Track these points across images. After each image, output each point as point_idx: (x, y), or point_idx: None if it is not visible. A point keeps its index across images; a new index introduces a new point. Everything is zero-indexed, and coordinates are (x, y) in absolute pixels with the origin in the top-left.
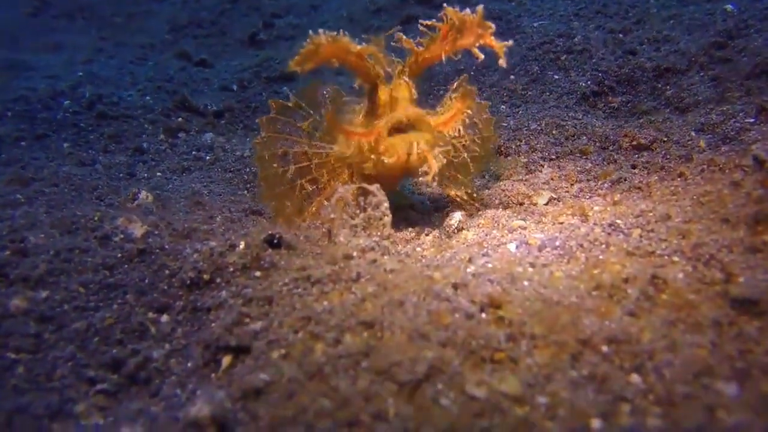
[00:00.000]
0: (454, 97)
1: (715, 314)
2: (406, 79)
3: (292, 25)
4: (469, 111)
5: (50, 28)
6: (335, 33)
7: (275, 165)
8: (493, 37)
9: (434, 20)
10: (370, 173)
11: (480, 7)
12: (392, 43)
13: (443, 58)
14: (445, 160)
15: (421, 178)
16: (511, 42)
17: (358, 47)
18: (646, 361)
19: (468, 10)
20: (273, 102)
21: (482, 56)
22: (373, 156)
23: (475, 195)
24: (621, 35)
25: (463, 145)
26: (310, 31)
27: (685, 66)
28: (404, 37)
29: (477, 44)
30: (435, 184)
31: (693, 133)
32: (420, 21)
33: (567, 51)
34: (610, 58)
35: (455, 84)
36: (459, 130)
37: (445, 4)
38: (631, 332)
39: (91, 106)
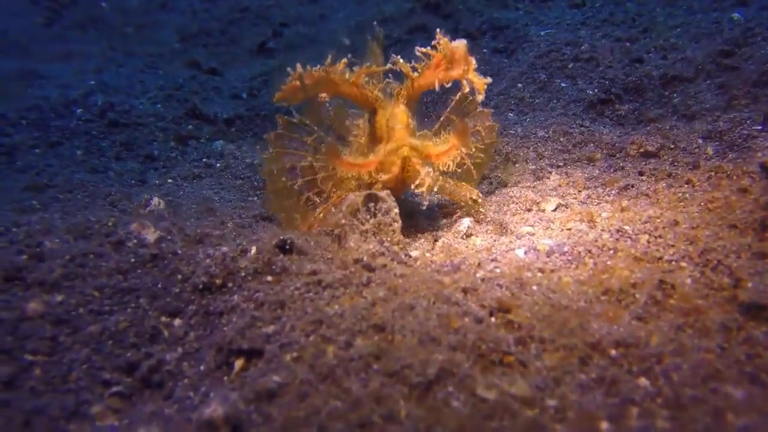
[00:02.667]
0: (451, 131)
1: (724, 319)
2: (403, 107)
3: (301, 34)
4: (463, 148)
5: (62, 38)
6: (325, 65)
7: (283, 179)
8: (474, 73)
9: (429, 47)
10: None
11: (463, 42)
12: (390, 66)
13: (436, 85)
14: (438, 181)
15: (416, 191)
16: (489, 79)
17: (353, 77)
18: (654, 364)
19: (456, 42)
20: (279, 118)
21: (468, 89)
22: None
23: (480, 200)
24: (628, 43)
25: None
26: (298, 66)
27: (692, 74)
28: (401, 60)
29: (463, 77)
30: (437, 194)
31: (700, 141)
32: (416, 47)
33: (574, 59)
34: (617, 66)
35: (458, 97)
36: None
37: (438, 30)
38: (639, 336)
39: (103, 114)
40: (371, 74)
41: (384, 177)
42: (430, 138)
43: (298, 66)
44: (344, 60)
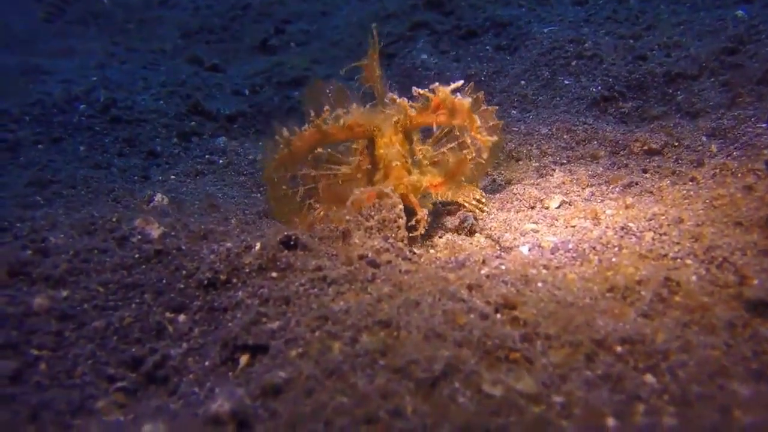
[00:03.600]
0: (451, 158)
1: (729, 316)
2: (400, 138)
3: (303, 31)
4: (461, 179)
5: (64, 34)
6: (312, 120)
7: (284, 187)
8: (479, 131)
9: (428, 90)
10: None
11: (468, 100)
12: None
13: (434, 125)
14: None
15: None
16: (495, 138)
17: (347, 122)
18: (660, 361)
19: (459, 96)
20: (278, 130)
21: (474, 145)
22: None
23: (483, 200)
24: (631, 41)
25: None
26: (284, 130)
27: (696, 71)
28: (397, 99)
29: (466, 128)
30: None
31: (704, 138)
32: (413, 88)
33: (577, 56)
34: (620, 63)
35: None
36: (465, 142)
37: (437, 84)
38: (645, 333)
39: (106, 110)
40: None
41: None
42: (429, 152)
43: (284, 131)
44: (327, 109)
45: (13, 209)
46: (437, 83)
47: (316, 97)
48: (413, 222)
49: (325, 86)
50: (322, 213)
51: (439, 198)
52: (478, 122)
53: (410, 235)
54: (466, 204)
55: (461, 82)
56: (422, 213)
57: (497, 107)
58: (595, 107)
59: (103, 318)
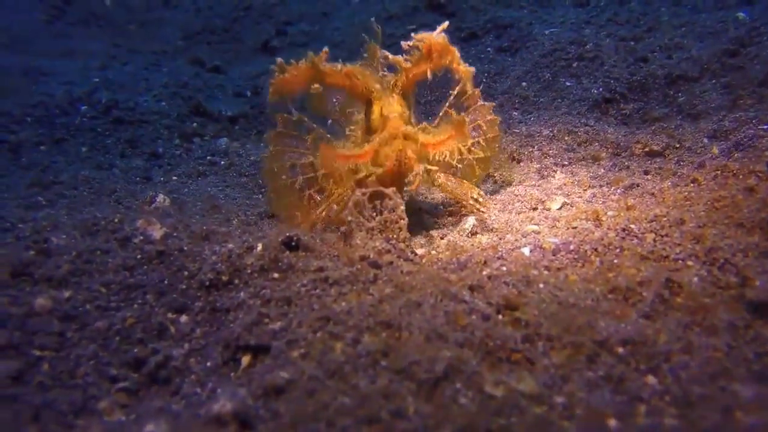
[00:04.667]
0: (448, 121)
1: (731, 317)
2: (398, 96)
3: (304, 32)
4: (460, 141)
5: (66, 35)
6: (308, 58)
7: (284, 177)
8: (459, 62)
9: (413, 41)
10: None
11: (442, 35)
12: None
13: (429, 74)
14: (441, 180)
15: (406, 188)
16: (473, 69)
17: (344, 69)
18: (662, 362)
19: (435, 33)
20: (279, 116)
21: (457, 75)
22: (367, 171)
23: (481, 199)
24: (632, 43)
25: (468, 149)
26: (278, 60)
27: (697, 73)
28: (391, 55)
29: (450, 68)
30: (439, 190)
31: (705, 140)
32: (402, 42)
33: (579, 58)
34: (621, 65)
35: (456, 89)
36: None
37: (412, 34)
38: (646, 334)
39: (108, 111)
40: (368, 68)
41: (379, 170)
42: (429, 131)
43: (279, 60)
44: (325, 49)
45: (15, 210)
46: (419, 33)
47: (322, 105)
48: (409, 178)
49: (330, 94)
50: (324, 212)
51: (439, 186)
52: (458, 53)
53: (405, 189)
54: (467, 205)
55: (447, 23)
56: (418, 168)
57: (494, 103)
58: (596, 109)
59: (105, 318)
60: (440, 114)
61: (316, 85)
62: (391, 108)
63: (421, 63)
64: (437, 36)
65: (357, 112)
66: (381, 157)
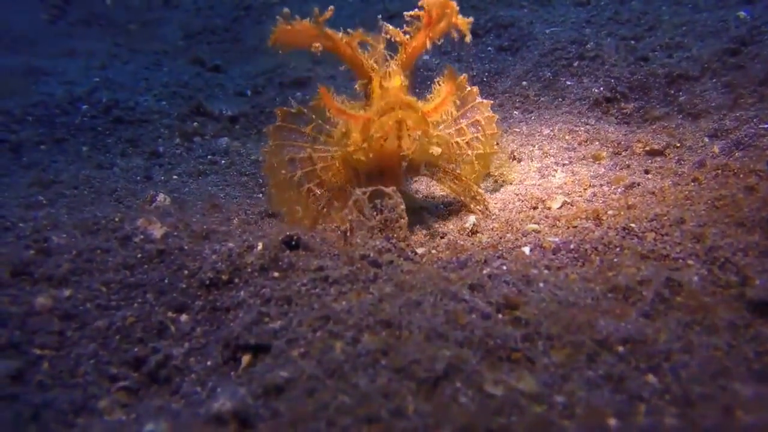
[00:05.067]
0: (440, 81)
1: (731, 317)
2: (395, 67)
3: None
4: (456, 93)
5: (67, 35)
6: (314, 16)
7: (284, 171)
8: (458, 15)
9: (416, 10)
10: (369, 165)
11: None
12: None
13: (428, 45)
14: (439, 150)
15: (403, 154)
16: (471, 19)
17: (347, 38)
18: (662, 361)
19: None
20: (278, 110)
21: (456, 36)
22: (365, 145)
23: (480, 197)
24: (633, 42)
25: (467, 143)
26: (285, 9)
27: (698, 72)
28: (391, 27)
29: (450, 25)
30: (439, 186)
31: (706, 139)
32: (404, 12)
33: (579, 57)
34: (622, 64)
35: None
36: (463, 129)
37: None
38: (646, 333)
39: (108, 110)
40: (365, 39)
41: (378, 135)
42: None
43: (285, 10)
44: (330, 8)
45: (15, 209)
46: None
47: (321, 109)
48: (405, 149)
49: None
50: (325, 209)
51: (439, 181)
52: (456, 7)
53: (403, 155)
54: (467, 203)
55: None
56: (416, 133)
57: (492, 101)
58: (597, 108)
59: (105, 318)
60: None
61: (317, 44)
62: (391, 80)
63: (420, 35)
64: None
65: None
66: (376, 128)
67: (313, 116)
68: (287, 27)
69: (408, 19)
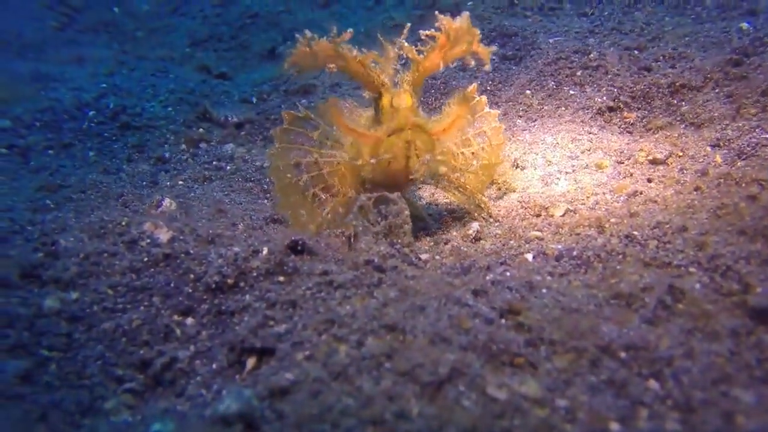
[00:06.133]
0: (452, 102)
1: (733, 324)
2: (407, 87)
3: None
4: (468, 116)
5: (75, 42)
6: (332, 36)
7: (289, 175)
8: (480, 44)
9: (433, 29)
10: (375, 178)
11: (465, 14)
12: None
13: (441, 66)
14: (444, 169)
15: (411, 177)
16: (494, 47)
17: (359, 55)
18: (664, 367)
19: (457, 18)
20: (285, 113)
21: (473, 62)
22: (373, 161)
23: (486, 206)
24: (636, 52)
25: (472, 153)
26: (306, 31)
27: (700, 82)
28: (406, 44)
29: (468, 52)
30: (444, 194)
31: (709, 149)
32: (420, 31)
33: (582, 67)
34: (625, 74)
35: (457, 93)
36: (469, 140)
37: (437, 12)
38: (649, 339)
39: (115, 116)
40: (377, 59)
41: (387, 156)
42: (435, 120)
43: (307, 32)
44: (349, 30)
45: (24, 213)
46: (441, 16)
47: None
48: (416, 167)
49: (339, 103)
50: (329, 215)
51: (443, 188)
52: (479, 34)
53: (411, 177)
54: (471, 210)
55: (466, 13)
56: (425, 158)
57: (502, 116)
58: (600, 117)
59: (112, 320)
60: (443, 108)
61: (332, 66)
62: (401, 100)
63: (434, 55)
64: (459, 19)
65: (364, 109)
66: (385, 148)
67: (321, 121)
68: (306, 50)
69: (423, 38)
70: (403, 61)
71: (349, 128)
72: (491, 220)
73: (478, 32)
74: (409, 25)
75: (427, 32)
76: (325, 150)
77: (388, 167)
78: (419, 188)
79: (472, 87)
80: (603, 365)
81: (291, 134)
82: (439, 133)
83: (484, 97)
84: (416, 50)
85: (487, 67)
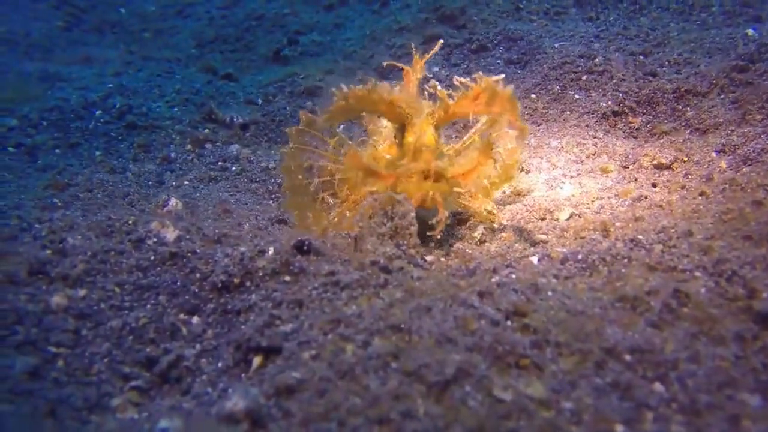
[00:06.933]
0: (475, 146)
1: (738, 328)
2: (432, 129)
3: (316, 42)
4: (488, 167)
5: (81, 42)
6: (368, 84)
7: (300, 176)
8: (519, 117)
9: (469, 79)
10: None
11: (511, 87)
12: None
13: (470, 116)
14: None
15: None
16: (528, 125)
17: (392, 96)
18: (669, 370)
19: (500, 80)
20: (303, 114)
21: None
22: (389, 193)
23: (494, 212)
24: (642, 57)
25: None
26: (342, 86)
27: (705, 88)
28: (439, 87)
29: (503, 116)
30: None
31: (714, 154)
32: (455, 77)
33: (588, 71)
34: (630, 79)
35: (484, 126)
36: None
37: (480, 72)
38: (654, 343)
39: (122, 116)
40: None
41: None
42: (452, 157)
43: (342, 86)
44: (387, 84)
45: (32, 211)
46: (480, 72)
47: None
48: (433, 221)
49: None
50: (336, 218)
51: (452, 202)
52: (519, 106)
53: (428, 234)
54: (477, 214)
55: (503, 75)
56: (443, 214)
57: (515, 132)
58: (605, 122)
59: (119, 318)
60: (465, 140)
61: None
62: (425, 140)
63: (464, 103)
64: (503, 87)
65: (383, 126)
66: (402, 188)
67: (337, 129)
68: (343, 104)
69: (457, 84)
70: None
71: (370, 171)
72: (496, 223)
73: (519, 105)
74: (441, 41)
75: (461, 80)
76: (339, 158)
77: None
78: None
79: (513, 135)
80: (608, 368)
81: (306, 136)
82: (458, 176)
83: (505, 116)
84: (448, 94)
85: (523, 138)
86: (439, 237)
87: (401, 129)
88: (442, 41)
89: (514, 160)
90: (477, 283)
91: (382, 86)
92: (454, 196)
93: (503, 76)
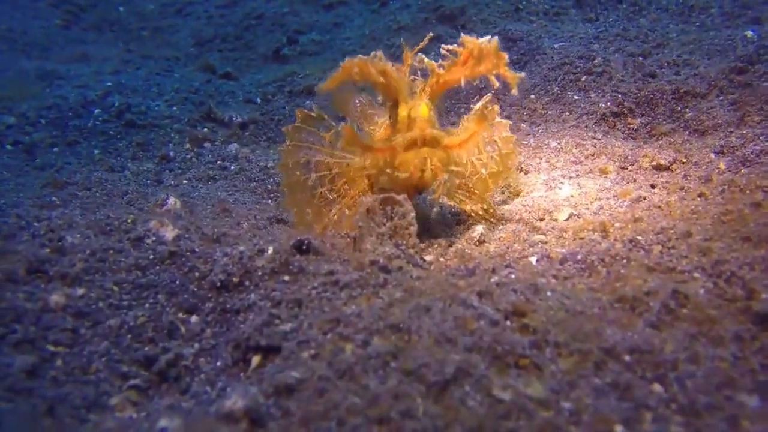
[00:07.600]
0: (470, 118)
1: (737, 329)
2: (426, 100)
3: (315, 42)
4: (484, 133)
5: (80, 40)
6: (369, 56)
7: (298, 173)
8: (507, 68)
9: (455, 45)
10: (385, 185)
11: (495, 39)
12: (415, 64)
13: (462, 81)
14: (456, 181)
15: (429, 197)
16: (523, 74)
17: (386, 66)
18: (668, 371)
19: (485, 39)
20: (299, 111)
21: (498, 84)
22: (388, 170)
23: (492, 210)
24: (641, 58)
25: (482, 161)
26: (347, 58)
27: (704, 89)
28: (426, 58)
29: (493, 72)
30: (447, 199)
31: (712, 155)
32: (442, 45)
33: (587, 72)
34: (629, 80)
35: (478, 103)
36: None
37: (462, 33)
38: (653, 343)
39: (120, 115)
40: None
41: (403, 175)
42: (452, 132)
43: (347, 59)
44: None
45: (30, 209)
46: (466, 37)
47: (345, 104)
48: (433, 187)
49: (355, 96)
50: (336, 216)
51: (451, 198)
52: (507, 58)
53: (429, 197)
54: (473, 214)
55: (489, 37)
56: (442, 177)
57: (510, 122)
58: (604, 122)
59: (117, 316)
60: (463, 120)
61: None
62: (419, 111)
63: (455, 70)
64: (487, 40)
65: (378, 116)
66: (400, 162)
67: (333, 123)
68: (342, 73)
69: (445, 52)
70: (422, 73)
71: (365, 146)
72: (495, 223)
73: (506, 56)
74: (431, 34)
75: (449, 47)
76: (336, 152)
77: (401, 178)
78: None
79: (487, 97)
80: (607, 368)
81: (303, 132)
82: (455, 146)
83: (497, 107)
84: (437, 64)
85: (514, 92)
86: (439, 207)
87: (395, 105)
88: (431, 34)
89: (511, 148)
90: (476, 283)
91: (379, 56)
92: (452, 180)
93: (496, 38)
